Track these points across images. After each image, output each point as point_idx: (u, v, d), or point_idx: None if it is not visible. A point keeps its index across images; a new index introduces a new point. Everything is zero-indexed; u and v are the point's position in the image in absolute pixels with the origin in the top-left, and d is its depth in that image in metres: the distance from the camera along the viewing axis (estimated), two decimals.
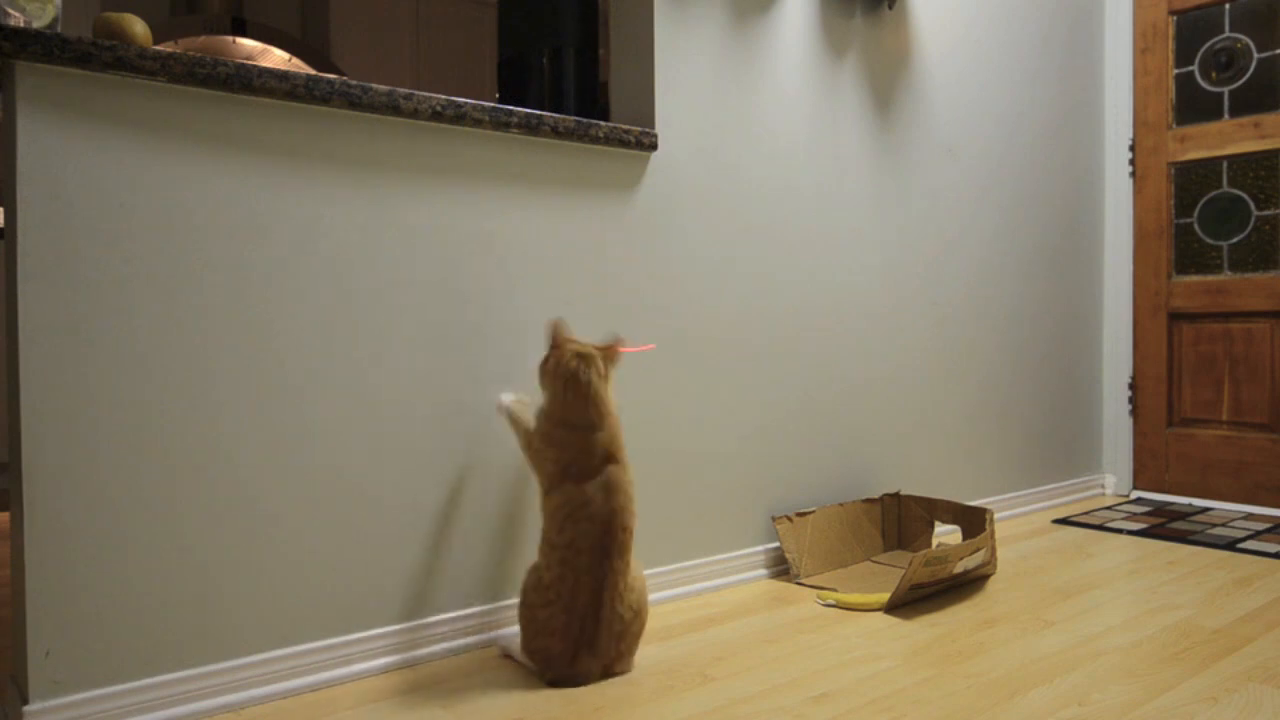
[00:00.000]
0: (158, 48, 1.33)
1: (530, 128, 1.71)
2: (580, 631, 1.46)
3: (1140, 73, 3.09)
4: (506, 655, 1.61)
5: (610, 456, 1.50)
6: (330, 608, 1.52)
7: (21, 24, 1.31)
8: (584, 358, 1.52)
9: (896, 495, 2.33)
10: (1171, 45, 3.03)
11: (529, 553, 1.76)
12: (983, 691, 1.45)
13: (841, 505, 2.22)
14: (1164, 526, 2.62)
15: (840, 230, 2.30)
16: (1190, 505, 2.93)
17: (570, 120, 1.76)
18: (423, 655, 1.61)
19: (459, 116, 1.62)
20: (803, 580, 2.08)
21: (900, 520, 2.33)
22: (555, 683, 1.48)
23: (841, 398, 2.31)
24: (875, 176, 2.38)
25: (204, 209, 1.39)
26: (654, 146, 1.90)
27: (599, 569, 1.46)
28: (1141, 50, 3.09)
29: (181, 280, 1.37)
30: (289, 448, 1.48)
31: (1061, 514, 2.83)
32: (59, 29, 1.34)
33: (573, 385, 1.50)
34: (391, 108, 1.54)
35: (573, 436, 1.49)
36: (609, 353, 1.56)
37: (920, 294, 2.51)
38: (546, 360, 1.54)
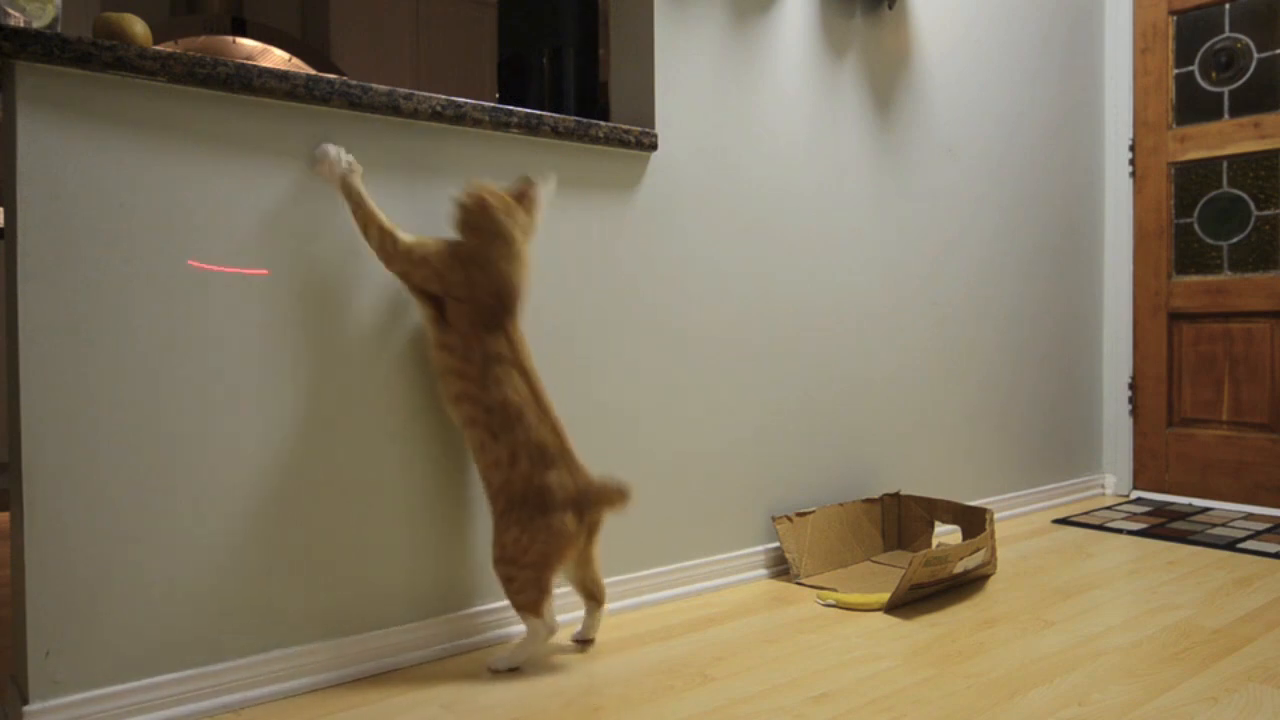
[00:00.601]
0: (158, 48, 1.33)
1: (530, 128, 1.71)
2: (570, 471, 1.50)
3: (1140, 73, 3.09)
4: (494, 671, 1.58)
5: (509, 314, 1.50)
6: (331, 608, 1.52)
7: (21, 24, 1.31)
8: (509, 209, 1.50)
9: (896, 495, 2.33)
10: (1171, 45, 3.03)
11: None
12: (983, 691, 1.45)
13: (841, 505, 2.22)
14: (1164, 526, 2.62)
15: (840, 230, 2.30)
16: (1190, 505, 2.93)
17: (570, 120, 1.76)
18: (425, 655, 1.61)
19: (459, 116, 1.62)
20: (803, 580, 2.08)
21: (900, 520, 2.33)
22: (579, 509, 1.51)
23: (841, 398, 2.31)
24: (875, 176, 2.38)
25: (204, 209, 1.39)
26: (654, 146, 1.90)
27: (548, 416, 1.50)
28: (1141, 50, 3.09)
29: (181, 280, 1.37)
30: (288, 448, 1.48)
31: (1061, 514, 2.83)
32: (59, 29, 1.34)
33: (498, 241, 1.49)
34: (391, 108, 1.54)
35: (475, 282, 1.48)
36: (527, 201, 1.54)
37: (920, 294, 2.51)
38: (470, 209, 1.49)
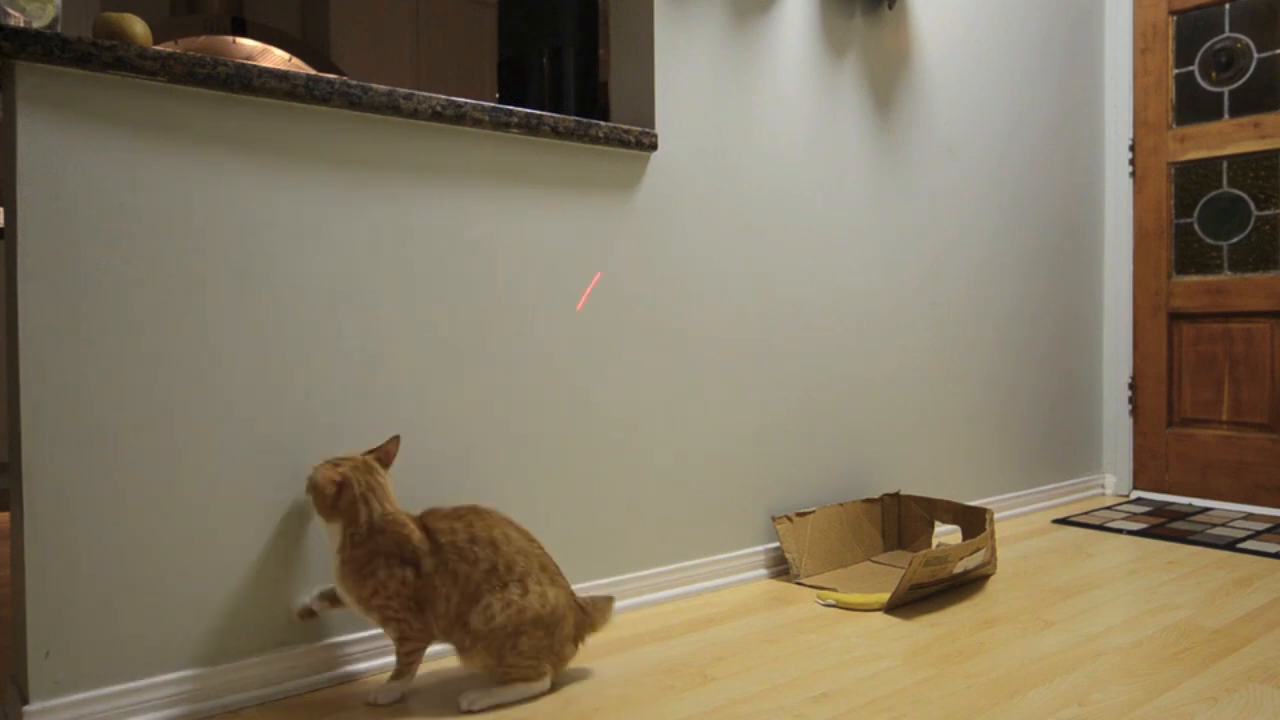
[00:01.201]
0: (158, 48, 1.33)
1: (530, 128, 1.71)
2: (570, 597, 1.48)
3: (1140, 73, 3.09)
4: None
5: (422, 529, 1.43)
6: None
7: (21, 24, 1.31)
8: (366, 469, 1.42)
9: (896, 495, 2.33)
10: (1171, 45, 3.03)
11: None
12: (983, 691, 1.45)
13: (841, 505, 2.22)
14: (1164, 526, 2.62)
15: (840, 230, 2.30)
16: (1190, 505, 2.93)
17: (570, 120, 1.76)
18: (431, 653, 1.61)
19: (459, 116, 1.62)
20: (803, 580, 2.08)
21: (900, 520, 2.33)
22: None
23: (841, 398, 2.31)
24: (875, 176, 2.38)
25: (204, 209, 1.39)
26: (654, 146, 1.90)
27: (513, 542, 1.44)
28: (1141, 50, 3.09)
29: (181, 280, 1.37)
30: (289, 448, 1.47)
31: (1061, 514, 2.83)
32: (59, 29, 1.34)
33: (364, 502, 1.40)
34: (391, 108, 1.54)
35: (393, 556, 1.39)
36: (385, 454, 1.46)
37: (920, 294, 2.51)
38: (330, 493, 1.39)
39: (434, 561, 1.40)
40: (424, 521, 1.44)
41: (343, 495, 1.39)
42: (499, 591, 1.39)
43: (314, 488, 1.40)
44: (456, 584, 1.39)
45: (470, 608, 1.39)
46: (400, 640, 1.41)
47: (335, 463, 1.42)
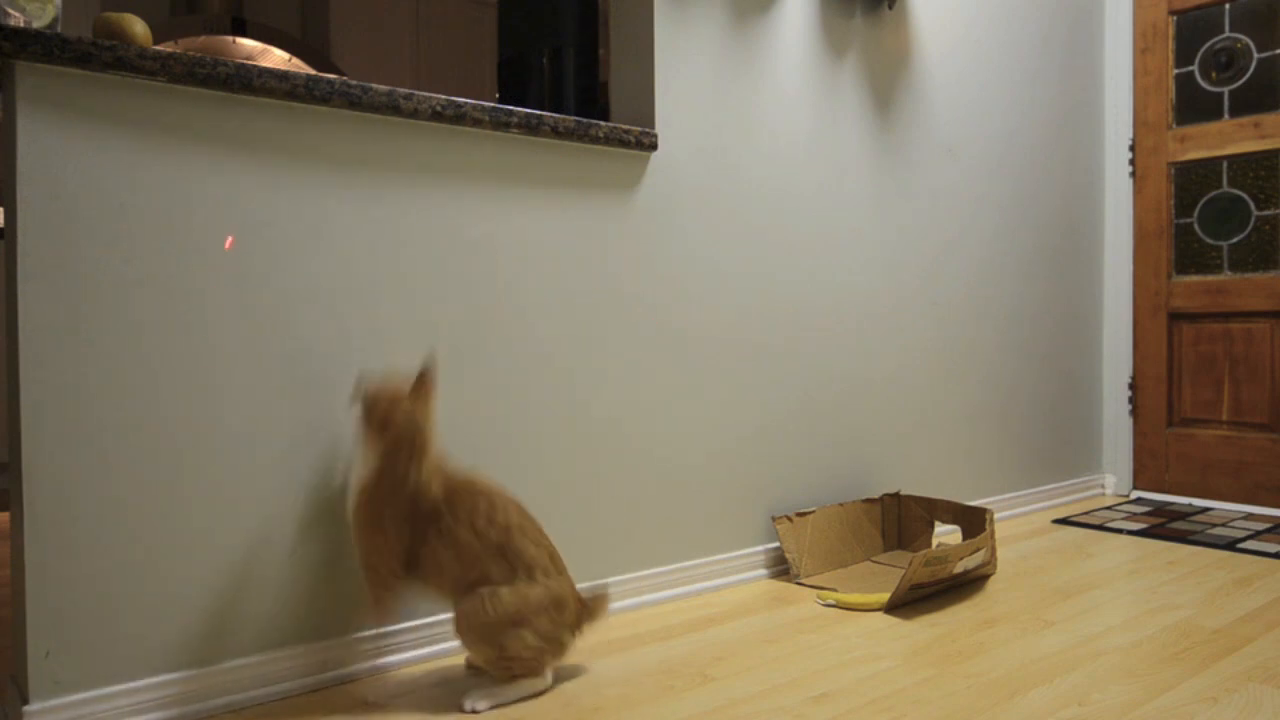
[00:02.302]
0: (158, 48, 1.33)
1: (530, 128, 1.71)
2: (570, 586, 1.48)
3: (1140, 73, 3.09)
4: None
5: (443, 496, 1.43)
6: (327, 609, 1.52)
7: (21, 24, 1.31)
8: (415, 402, 1.42)
9: (896, 495, 2.33)
10: (1171, 45, 3.03)
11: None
12: (983, 691, 1.45)
13: (841, 505, 2.22)
14: (1164, 526, 2.62)
15: (840, 230, 2.30)
16: (1190, 505, 2.93)
17: (570, 120, 1.76)
18: (434, 652, 1.61)
19: (459, 116, 1.62)
20: (803, 580, 2.08)
21: (900, 520, 2.33)
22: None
23: (841, 398, 2.31)
24: (875, 176, 2.38)
25: (204, 209, 1.39)
26: (654, 146, 1.90)
27: (529, 528, 1.45)
28: (1141, 50, 3.09)
29: (181, 280, 1.37)
30: (291, 448, 1.48)
31: (1061, 514, 2.83)
32: (59, 29, 1.34)
33: (407, 443, 1.40)
34: (391, 108, 1.54)
35: (407, 499, 1.41)
36: (425, 387, 1.44)
37: (920, 294, 2.51)
38: (379, 418, 1.39)
39: (444, 532, 1.41)
40: (449, 486, 1.43)
41: (395, 428, 1.40)
42: (509, 578, 1.40)
43: (370, 400, 1.40)
44: (461, 559, 1.40)
45: (478, 585, 1.40)
46: (369, 576, 1.42)
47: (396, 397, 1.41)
